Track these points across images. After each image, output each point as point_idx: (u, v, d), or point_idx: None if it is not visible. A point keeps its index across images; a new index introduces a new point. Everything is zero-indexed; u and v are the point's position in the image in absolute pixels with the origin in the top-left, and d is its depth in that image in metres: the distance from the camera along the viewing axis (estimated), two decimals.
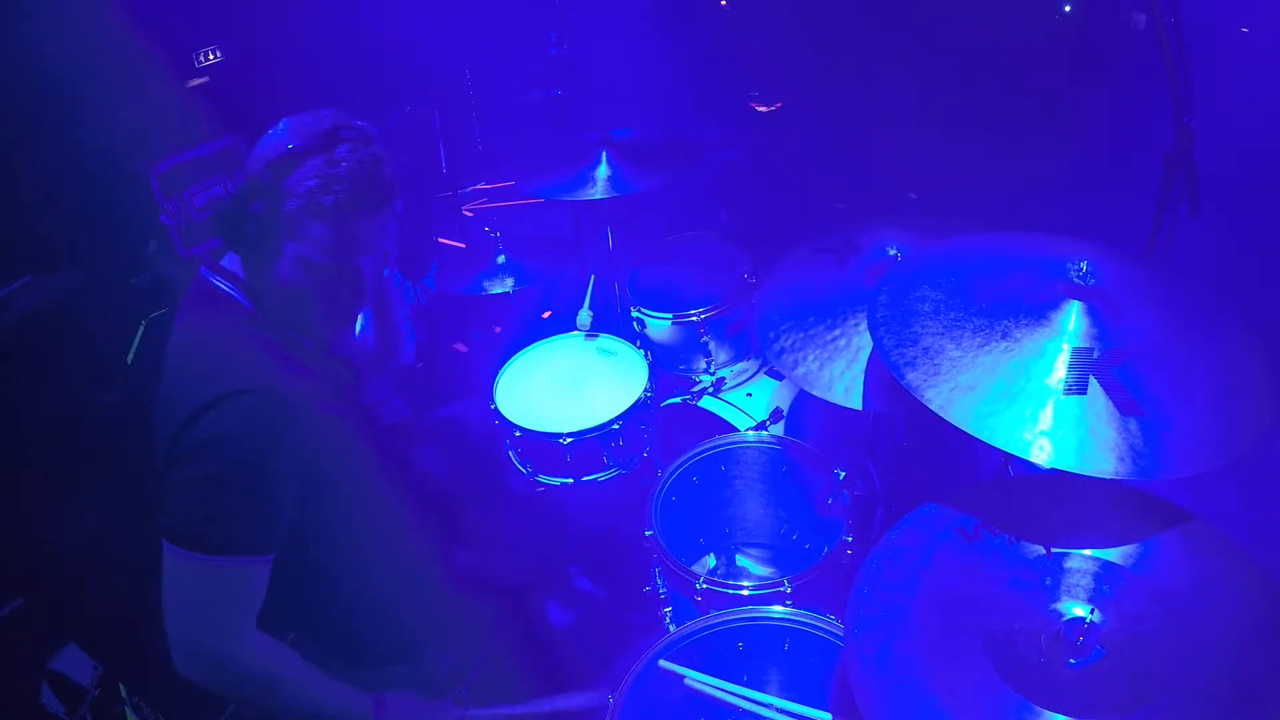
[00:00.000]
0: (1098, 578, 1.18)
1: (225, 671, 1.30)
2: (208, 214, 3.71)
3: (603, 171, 2.50)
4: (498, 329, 3.95)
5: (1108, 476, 1.14)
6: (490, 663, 1.71)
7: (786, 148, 5.20)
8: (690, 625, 1.62)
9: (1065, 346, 1.25)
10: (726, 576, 1.79)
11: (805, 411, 2.45)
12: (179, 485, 1.26)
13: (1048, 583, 1.19)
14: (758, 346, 2.56)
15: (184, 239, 3.64)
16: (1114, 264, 1.41)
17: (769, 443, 2.09)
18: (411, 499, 1.69)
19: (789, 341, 1.68)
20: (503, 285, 2.55)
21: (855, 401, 1.57)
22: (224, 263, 1.41)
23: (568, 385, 2.43)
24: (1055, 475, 1.30)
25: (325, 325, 1.44)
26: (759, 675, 1.66)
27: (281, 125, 1.31)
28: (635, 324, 2.56)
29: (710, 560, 2.21)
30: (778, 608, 1.64)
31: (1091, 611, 1.11)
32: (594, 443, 2.20)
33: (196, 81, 4.33)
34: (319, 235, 1.28)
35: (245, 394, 1.26)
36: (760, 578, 2.01)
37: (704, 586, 1.72)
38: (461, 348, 4.16)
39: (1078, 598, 1.16)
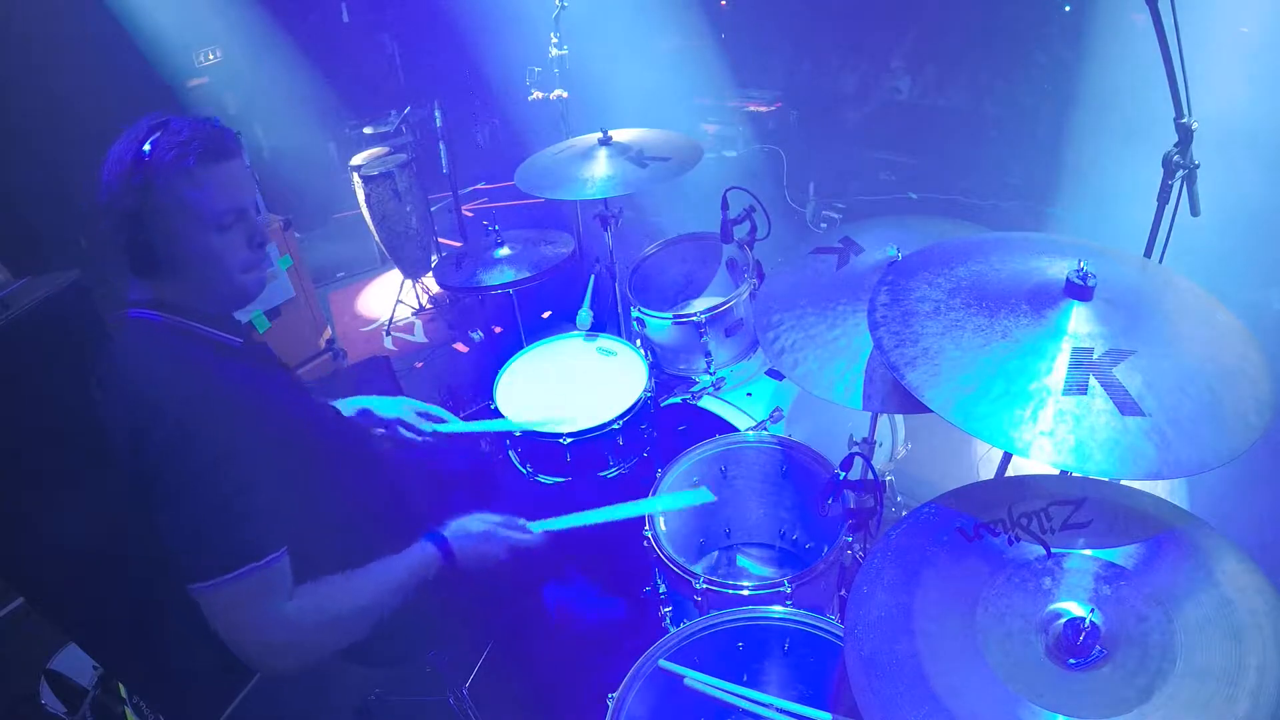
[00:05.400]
0: (1098, 578, 1.18)
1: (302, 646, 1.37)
2: None
3: (603, 171, 2.50)
4: (497, 329, 3.95)
5: (1108, 477, 1.14)
6: (490, 663, 1.71)
7: (786, 147, 5.21)
8: (690, 625, 1.63)
9: (1065, 346, 1.25)
10: (726, 576, 1.79)
11: (805, 411, 2.45)
12: (166, 524, 1.31)
13: (1047, 583, 1.18)
14: (758, 346, 2.56)
15: None
16: (1114, 264, 1.42)
17: (769, 443, 2.09)
18: (404, 499, 1.69)
19: (789, 341, 1.68)
20: (501, 277, 2.54)
21: (855, 401, 1.57)
22: (134, 295, 1.44)
23: (568, 385, 2.43)
24: (1055, 475, 1.31)
25: (249, 280, 1.47)
26: (759, 675, 1.66)
27: (115, 149, 1.36)
28: (635, 324, 2.56)
29: (710, 558, 2.21)
30: (778, 608, 1.64)
31: (1091, 611, 1.11)
32: (594, 443, 2.20)
33: (196, 81, 4.33)
34: (199, 195, 1.35)
35: (185, 410, 1.30)
36: (760, 578, 2.01)
37: (704, 586, 1.72)
38: (461, 348, 4.17)
39: (1078, 598, 1.16)
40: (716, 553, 2.23)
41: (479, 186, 5.96)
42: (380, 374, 2.91)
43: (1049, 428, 1.16)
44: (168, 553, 1.31)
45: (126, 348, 1.41)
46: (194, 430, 1.30)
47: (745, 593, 1.70)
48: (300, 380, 1.78)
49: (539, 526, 1.66)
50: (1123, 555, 1.19)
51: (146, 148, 1.33)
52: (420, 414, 1.92)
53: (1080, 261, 1.30)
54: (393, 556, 1.50)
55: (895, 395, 1.53)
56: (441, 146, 3.85)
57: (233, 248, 1.42)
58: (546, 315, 3.65)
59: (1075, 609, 1.14)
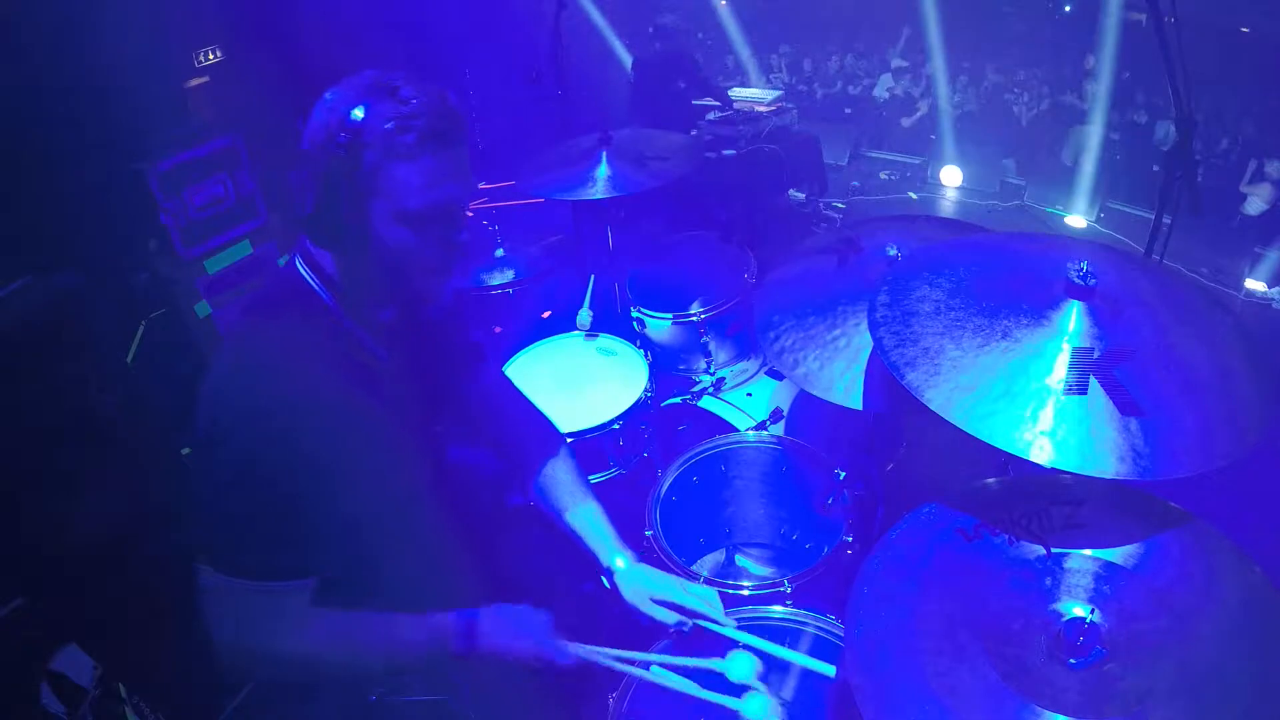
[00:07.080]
0: (1098, 578, 1.18)
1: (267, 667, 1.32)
2: (208, 213, 3.71)
3: (603, 171, 2.50)
4: (498, 329, 3.95)
5: (1108, 476, 1.14)
6: (490, 663, 1.70)
7: (786, 147, 5.21)
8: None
9: (1065, 346, 1.25)
10: (726, 576, 1.79)
11: (805, 411, 2.45)
12: (214, 506, 1.24)
13: (1048, 583, 1.18)
14: (758, 346, 2.56)
15: (184, 239, 3.65)
16: (1114, 264, 1.41)
17: (769, 443, 2.09)
18: (438, 517, 1.66)
19: (789, 341, 1.68)
20: (502, 277, 2.54)
21: (855, 401, 1.57)
22: (309, 247, 1.31)
23: (568, 385, 2.43)
24: (1055, 475, 1.31)
25: (431, 285, 1.33)
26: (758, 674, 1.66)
27: (331, 94, 1.22)
28: (635, 324, 2.56)
29: (710, 558, 2.21)
30: (778, 608, 1.64)
31: (1091, 611, 1.11)
32: (594, 443, 2.20)
33: (196, 81, 4.32)
34: (408, 180, 1.20)
35: (292, 405, 1.21)
36: (760, 578, 2.01)
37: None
38: None
39: (1078, 598, 1.16)
40: (718, 552, 2.23)
41: (479, 186, 5.97)
42: None
43: (1049, 428, 1.16)
44: (202, 528, 1.25)
45: (282, 327, 1.28)
46: (297, 440, 1.20)
47: (745, 593, 1.70)
48: (436, 396, 1.62)
49: (579, 651, 1.46)
50: (1123, 555, 1.19)
51: (358, 114, 1.16)
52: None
53: (1081, 261, 1.30)
54: (402, 621, 1.37)
55: (895, 395, 1.52)
56: None
57: (426, 245, 1.25)
58: (546, 315, 3.65)
59: (1075, 609, 1.14)
